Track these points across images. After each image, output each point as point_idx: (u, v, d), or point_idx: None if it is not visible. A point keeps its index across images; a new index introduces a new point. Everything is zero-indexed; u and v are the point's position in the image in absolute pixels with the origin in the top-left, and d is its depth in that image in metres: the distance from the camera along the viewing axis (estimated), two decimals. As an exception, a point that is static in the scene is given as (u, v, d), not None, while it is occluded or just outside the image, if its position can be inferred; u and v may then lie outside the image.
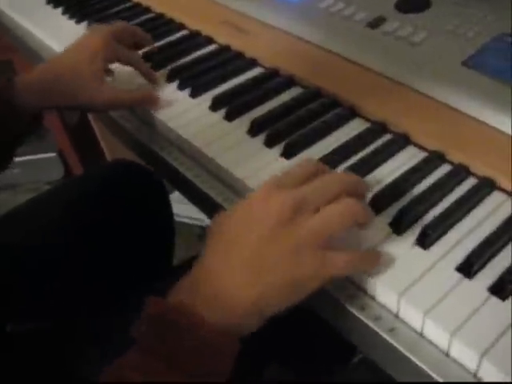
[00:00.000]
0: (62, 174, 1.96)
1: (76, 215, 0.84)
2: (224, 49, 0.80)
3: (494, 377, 0.39)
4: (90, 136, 1.78)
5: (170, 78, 0.75)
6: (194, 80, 0.73)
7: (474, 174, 0.54)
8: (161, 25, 0.90)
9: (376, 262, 0.46)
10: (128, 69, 0.75)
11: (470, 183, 0.54)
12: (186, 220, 1.59)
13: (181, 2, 0.93)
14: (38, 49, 0.91)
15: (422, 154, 0.57)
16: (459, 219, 0.50)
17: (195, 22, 0.87)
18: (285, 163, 0.59)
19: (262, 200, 0.45)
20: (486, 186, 0.53)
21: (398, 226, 0.49)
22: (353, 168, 0.56)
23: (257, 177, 0.56)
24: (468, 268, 0.45)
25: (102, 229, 0.84)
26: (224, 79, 0.73)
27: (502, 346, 0.40)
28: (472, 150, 0.55)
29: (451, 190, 0.53)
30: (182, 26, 0.88)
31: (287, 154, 0.59)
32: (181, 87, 0.73)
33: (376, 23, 0.71)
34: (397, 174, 0.55)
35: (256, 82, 0.72)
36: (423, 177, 0.55)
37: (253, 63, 0.76)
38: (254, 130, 0.63)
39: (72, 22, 0.96)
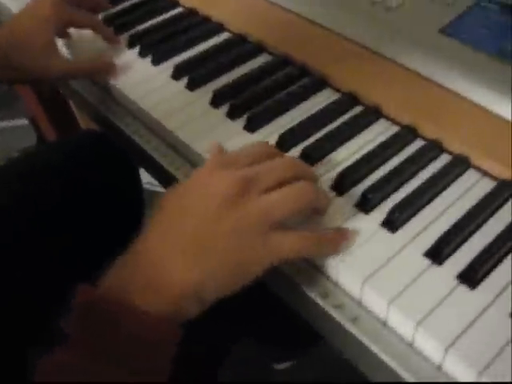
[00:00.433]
0: (35, 142, 1.90)
1: (36, 187, 0.80)
2: (189, 13, 0.75)
3: (460, 370, 0.37)
4: (64, 102, 1.72)
5: (130, 44, 0.71)
6: (156, 46, 0.68)
7: (447, 151, 0.51)
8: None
9: (335, 246, 0.43)
10: (87, 32, 0.70)
11: (443, 160, 0.50)
12: (159, 189, 1.54)
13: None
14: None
15: (394, 128, 0.54)
16: (430, 200, 0.47)
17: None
18: (248, 137, 0.55)
19: (207, 177, 0.42)
20: (460, 164, 0.49)
21: (364, 206, 0.46)
22: (320, 142, 0.53)
23: (218, 152, 0.53)
24: (437, 253, 0.42)
25: (64, 200, 0.80)
26: (188, 45, 0.69)
27: (469, 338, 0.37)
28: (446, 125, 0.51)
29: (423, 167, 0.50)
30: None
31: (251, 126, 0.55)
32: (142, 54, 0.68)
33: (350, -14, 0.66)
34: (366, 149, 0.52)
35: (222, 48, 0.67)
36: (394, 153, 0.51)
37: (219, 28, 0.71)
38: (217, 100, 0.59)
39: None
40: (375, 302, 0.41)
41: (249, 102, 0.58)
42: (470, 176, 0.49)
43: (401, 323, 0.40)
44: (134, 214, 0.93)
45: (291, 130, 0.54)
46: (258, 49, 0.66)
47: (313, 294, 0.43)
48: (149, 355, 0.37)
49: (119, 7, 0.79)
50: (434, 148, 0.51)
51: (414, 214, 0.46)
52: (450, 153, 0.51)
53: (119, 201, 0.87)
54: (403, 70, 0.57)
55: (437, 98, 0.54)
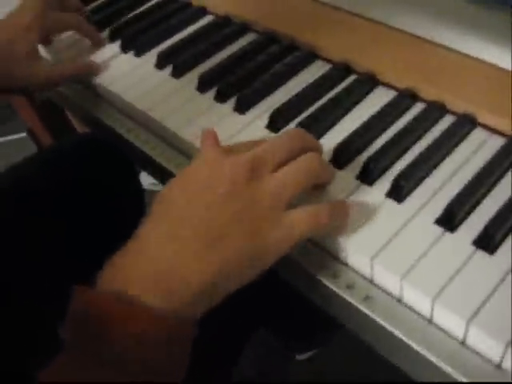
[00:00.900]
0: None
1: (34, 193, 0.78)
2: (170, 0, 0.72)
3: (484, 344, 0.34)
4: (60, 110, 1.70)
5: (112, 37, 0.68)
6: (138, 37, 0.66)
7: (451, 111, 0.48)
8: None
9: (345, 213, 0.40)
10: (67, 35, 0.68)
11: (447, 122, 0.47)
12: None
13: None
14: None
15: (392, 94, 0.51)
16: (437, 164, 0.44)
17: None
18: (239, 118, 0.52)
19: (213, 162, 0.39)
20: (466, 124, 0.46)
21: (368, 177, 0.43)
22: (316, 116, 0.50)
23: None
24: (449, 220, 0.39)
25: (62, 204, 0.78)
26: (171, 33, 0.66)
27: (492, 308, 0.34)
28: (447, 84, 0.48)
29: (426, 131, 0.46)
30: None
31: (241, 107, 0.53)
32: (124, 46, 0.66)
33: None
34: (363, 118, 0.48)
35: (205, 32, 0.64)
36: (394, 120, 0.48)
37: (202, 12, 0.68)
38: (203, 85, 0.56)
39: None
40: (387, 279, 0.38)
41: (237, 84, 0.55)
42: (477, 135, 0.45)
43: (417, 299, 0.37)
44: (135, 214, 0.90)
45: (282, 107, 0.51)
46: (243, 29, 0.63)
47: (322, 277, 0.41)
48: (160, 355, 0.34)
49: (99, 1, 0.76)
50: (436, 110, 0.48)
51: (420, 181, 0.42)
52: (454, 113, 0.47)
53: (118, 202, 0.85)
54: (396, 32, 0.54)
55: (435, 58, 0.50)
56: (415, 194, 0.42)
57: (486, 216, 0.39)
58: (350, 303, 0.39)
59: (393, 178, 0.42)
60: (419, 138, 0.46)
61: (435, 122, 0.47)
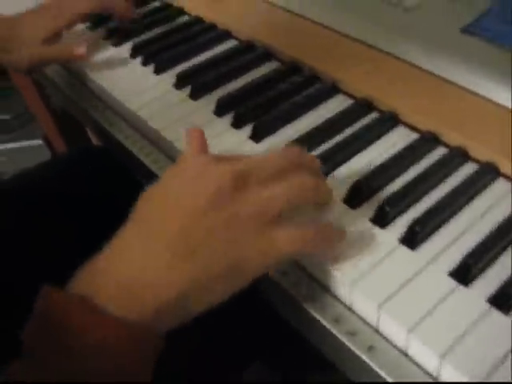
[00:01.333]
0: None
1: (35, 205, 0.77)
2: (196, 20, 0.72)
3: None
4: (77, 121, 1.71)
5: (134, 54, 0.67)
6: (159, 55, 0.65)
7: (473, 159, 0.46)
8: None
9: (339, 239, 0.39)
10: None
11: (468, 169, 0.45)
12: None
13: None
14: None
15: (413, 135, 0.49)
16: (455, 212, 0.42)
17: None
18: (254, 147, 0.51)
19: (199, 168, 0.38)
20: (488, 173, 0.44)
21: (382, 219, 0.41)
22: (333, 150, 0.48)
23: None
24: (464, 273, 0.37)
25: (62, 216, 0.77)
26: (193, 53, 0.65)
27: (507, 371, 0.32)
28: (471, 131, 0.47)
29: (446, 177, 0.45)
30: (149, -2, 0.80)
31: (256, 136, 0.51)
32: (145, 63, 0.65)
33: (364, -13, 0.62)
34: (382, 158, 0.47)
35: (228, 55, 0.63)
36: (413, 162, 0.46)
37: (226, 35, 0.68)
38: (221, 109, 0.55)
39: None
40: (393, 329, 0.36)
41: (255, 111, 0.53)
42: (499, 185, 0.44)
43: (424, 355, 0.34)
44: None
45: (300, 139, 0.50)
46: (266, 55, 0.62)
47: (323, 320, 0.38)
48: (120, 365, 0.32)
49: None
50: (458, 156, 0.46)
51: (437, 229, 0.40)
52: (477, 161, 0.46)
53: (121, 216, 0.84)
54: (422, 73, 0.52)
55: (460, 102, 0.49)
56: (430, 242, 0.40)
57: (503, 272, 0.37)
58: (353, 352, 0.37)
59: (408, 223, 0.40)
60: (438, 183, 0.44)
61: (456, 168, 0.45)
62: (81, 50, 0.63)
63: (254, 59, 0.62)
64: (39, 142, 1.84)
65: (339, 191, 0.44)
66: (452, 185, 0.44)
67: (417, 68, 0.53)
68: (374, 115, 0.52)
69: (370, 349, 0.37)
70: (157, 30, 0.72)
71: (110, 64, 0.66)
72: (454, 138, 0.47)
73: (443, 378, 0.34)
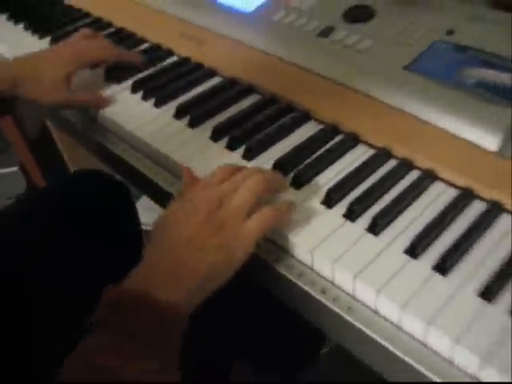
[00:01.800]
0: (24, 188, 1.96)
1: (37, 227, 0.85)
2: (184, 60, 0.85)
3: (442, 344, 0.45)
4: (52, 149, 1.79)
5: (134, 89, 0.79)
6: (158, 91, 0.78)
7: (417, 167, 0.60)
8: (123, 38, 0.93)
9: (288, 212, 0.55)
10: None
11: (414, 175, 0.60)
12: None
13: (140, 16, 0.97)
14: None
15: (371, 151, 0.63)
16: (404, 209, 0.56)
17: (155, 36, 0.91)
18: (247, 165, 0.64)
19: (196, 195, 0.54)
20: (428, 178, 0.59)
21: (351, 215, 0.55)
22: (308, 167, 0.62)
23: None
24: (413, 251, 0.51)
25: (65, 239, 0.86)
26: (186, 89, 0.78)
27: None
28: (415, 145, 0.61)
29: (396, 182, 0.59)
30: (143, 40, 0.92)
31: (249, 156, 0.64)
32: (145, 98, 0.77)
33: (325, 33, 0.77)
34: (348, 170, 0.61)
35: (216, 90, 0.77)
36: (372, 172, 0.60)
37: (212, 73, 0.81)
38: (216, 135, 0.68)
39: (35, 38, 1.00)
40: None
41: (245, 136, 0.67)
42: (437, 187, 0.58)
43: (388, 309, 0.48)
44: (132, 250, 0.99)
45: (283, 158, 0.63)
46: (248, 90, 0.76)
47: (311, 290, 0.52)
48: (164, 332, 0.46)
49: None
50: (405, 165, 0.60)
51: (392, 221, 0.54)
52: (419, 168, 0.60)
53: (117, 237, 0.93)
54: (375, 102, 0.67)
55: (405, 124, 0.63)
56: (387, 230, 0.54)
57: (445, 244, 0.51)
58: (336, 312, 0.50)
59: (371, 217, 0.54)
60: (391, 188, 0.58)
61: (404, 175, 0.60)
62: (107, 101, 0.77)
63: (239, 93, 0.76)
64: (14, 168, 1.92)
65: (317, 195, 0.58)
66: (401, 188, 0.58)
67: (371, 98, 0.68)
68: (339, 137, 0.66)
69: (349, 309, 0.50)
70: (152, 69, 0.84)
71: (115, 100, 0.78)
72: (401, 151, 0.61)
73: (403, 325, 0.47)
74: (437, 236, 0.52)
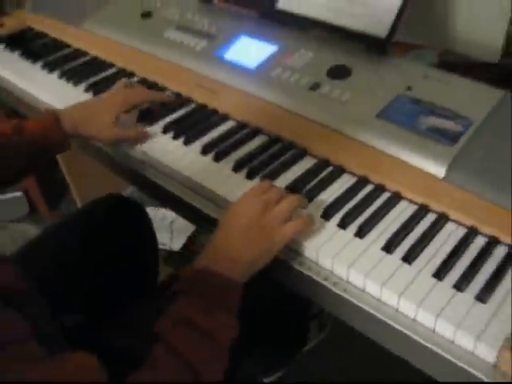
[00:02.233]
0: (27, 212, 2.12)
1: (85, 246, 1.04)
2: (202, 107, 1.07)
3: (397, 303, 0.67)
4: (56, 176, 1.96)
5: (165, 130, 1.01)
6: (184, 132, 0.99)
7: (388, 190, 0.83)
8: (148, 87, 1.14)
9: (311, 224, 0.77)
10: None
11: (385, 196, 0.82)
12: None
13: (161, 68, 1.18)
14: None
15: (354, 179, 0.86)
16: (380, 220, 0.78)
17: (175, 85, 1.13)
18: (262, 189, 0.85)
19: (249, 202, 0.75)
20: (396, 198, 0.82)
21: (343, 224, 0.77)
22: (306, 193, 0.84)
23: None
24: (389, 247, 0.73)
25: (100, 258, 1.04)
26: (207, 130, 1.00)
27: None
28: (385, 173, 0.84)
29: (374, 201, 0.82)
30: (163, 89, 1.14)
31: (263, 183, 0.86)
32: (175, 137, 0.99)
33: (314, 87, 1.00)
34: (339, 192, 0.83)
35: (231, 132, 0.99)
36: (355, 194, 0.83)
37: (226, 117, 1.03)
38: (237, 167, 0.90)
39: (70, 85, 1.20)
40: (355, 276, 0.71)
41: (259, 167, 0.89)
42: (402, 205, 0.81)
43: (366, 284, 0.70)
44: (151, 272, 1.18)
45: (290, 184, 0.85)
46: (256, 131, 0.98)
47: (317, 277, 0.74)
48: (226, 296, 0.68)
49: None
50: (379, 189, 0.83)
51: (374, 225, 0.77)
52: (390, 191, 0.83)
53: (138, 261, 1.12)
54: (356, 142, 0.90)
55: (379, 158, 0.87)
56: (372, 233, 0.76)
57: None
58: (335, 292, 0.72)
59: (358, 225, 0.76)
60: (370, 205, 0.81)
61: (378, 196, 0.83)
62: (147, 138, 0.98)
63: (249, 134, 0.98)
64: (18, 193, 2.07)
65: (317, 211, 0.80)
66: (377, 205, 0.80)
67: (353, 139, 0.90)
68: (329, 169, 0.88)
69: (345, 290, 0.72)
70: (176, 114, 1.06)
71: (150, 139, 1.00)
72: (376, 179, 0.84)
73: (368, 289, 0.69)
74: (404, 238, 0.75)
